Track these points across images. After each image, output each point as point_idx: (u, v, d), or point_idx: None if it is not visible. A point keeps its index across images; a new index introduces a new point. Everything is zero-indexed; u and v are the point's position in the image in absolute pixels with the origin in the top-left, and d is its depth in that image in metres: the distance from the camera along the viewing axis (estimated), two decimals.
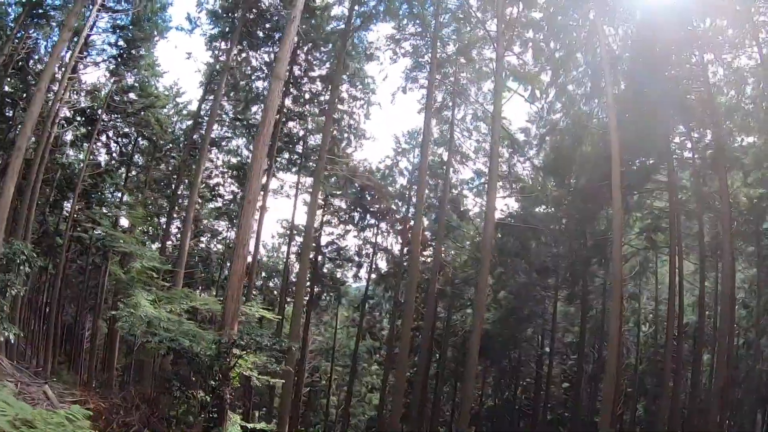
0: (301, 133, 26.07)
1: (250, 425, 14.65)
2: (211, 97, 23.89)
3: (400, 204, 29.34)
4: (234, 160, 27.10)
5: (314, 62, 24.30)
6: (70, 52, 22.27)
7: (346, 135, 26.16)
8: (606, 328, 29.46)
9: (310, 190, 24.65)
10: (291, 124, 25.70)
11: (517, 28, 21.31)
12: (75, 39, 22.11)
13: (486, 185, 22.41)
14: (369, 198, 27.40)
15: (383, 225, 29.37)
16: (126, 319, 11.63)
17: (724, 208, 20.75)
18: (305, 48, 23.69)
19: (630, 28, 21.34)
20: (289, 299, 27.52)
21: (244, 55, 23.86)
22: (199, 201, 26.55)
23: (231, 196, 27.89)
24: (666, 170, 24.25)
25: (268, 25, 22.51)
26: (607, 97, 18.55)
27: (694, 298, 26.95)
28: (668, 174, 23.84)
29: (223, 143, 26.17)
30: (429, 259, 27.00)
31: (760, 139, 22.60)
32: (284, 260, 30.17)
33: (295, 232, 28.13)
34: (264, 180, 25.74)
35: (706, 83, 21.26)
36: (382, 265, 30.52)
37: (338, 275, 31.53)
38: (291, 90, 24.33)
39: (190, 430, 12.09)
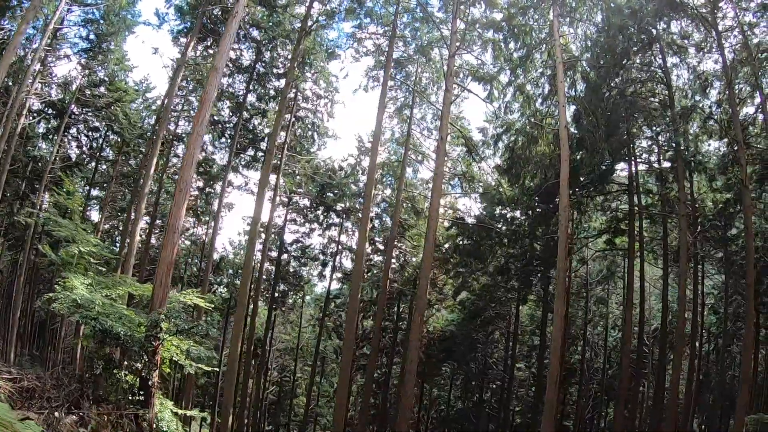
0: (266, 130, 26.15)
1: (181, 411, 14.78)
2: (179, 93, 24.16)
3: (363, 203, 29.02)
4: (200, 156, 27.11)
5: (279, 59, 24.45)
6: (39, 44, 22.60)
7: (309, 133, 26.25)
8: (574, 331, 29.36)
9: (273, 188, 24.84)
10: (255, 121, 25.82)
11: (477, 29, 21.47)
12: (46, 31, 22.45)
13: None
14: (332, 196, 27.38)
15: (348, 224, 29.33)
16: (62, 300, 11.87)
17: (682, 211, 20.78)
18: (270, 46, 23.87)
19: (589, 29, 21.48)
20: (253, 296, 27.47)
21: (211, 51, 24.07)
22: (164, 196, 26.71)
23: (197, 192, 27.96)
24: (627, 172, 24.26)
25: None
26: (559, 95, 18.65)
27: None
28: (628, 176, 23.80)
29: None
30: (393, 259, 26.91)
31: (724, 144, 22.66)
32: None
33: (261, 229, 28.15)
34: (230, 177, 26.01)
35: (669, 86, 21.35)
36: (347, 263, 30.36)
37: (303, 273, 31.57)
38: (255, 87, 24.51)
39: (110, 406, 12.24)
